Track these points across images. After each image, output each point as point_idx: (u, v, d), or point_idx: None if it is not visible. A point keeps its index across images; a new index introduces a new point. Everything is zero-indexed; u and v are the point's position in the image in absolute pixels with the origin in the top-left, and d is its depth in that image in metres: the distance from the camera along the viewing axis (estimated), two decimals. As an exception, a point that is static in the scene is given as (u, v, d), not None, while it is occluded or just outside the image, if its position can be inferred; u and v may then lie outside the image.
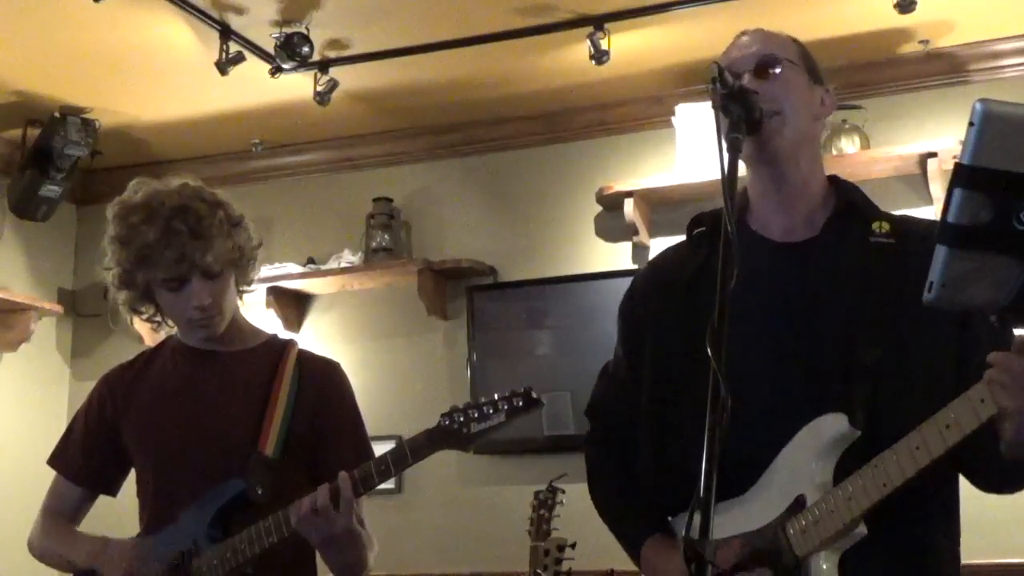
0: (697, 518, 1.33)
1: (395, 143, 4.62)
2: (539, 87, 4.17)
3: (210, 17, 3.57)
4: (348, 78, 3.95)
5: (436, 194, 4.58)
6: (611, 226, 4.23)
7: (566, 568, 3.15)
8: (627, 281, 1.98)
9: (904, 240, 1.71)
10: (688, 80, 4.05)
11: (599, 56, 3.64)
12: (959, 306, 1.27)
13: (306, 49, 3.66)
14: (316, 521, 1.96)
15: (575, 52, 3.76)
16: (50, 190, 4.34)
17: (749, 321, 1.65)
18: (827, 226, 1.75)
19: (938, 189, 3.72)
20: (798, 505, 1.60)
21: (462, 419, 1.94)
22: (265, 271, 4.19)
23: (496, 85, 4.15)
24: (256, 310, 4.23)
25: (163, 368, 2.29)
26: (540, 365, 4.20)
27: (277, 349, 2.28)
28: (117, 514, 2.42)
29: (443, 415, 1.96)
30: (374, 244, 4.45)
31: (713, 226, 1.75)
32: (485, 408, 1.93)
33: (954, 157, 1.19)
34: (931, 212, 3.74)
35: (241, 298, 2.29)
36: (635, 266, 4.16)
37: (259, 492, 2.09)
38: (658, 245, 4.16)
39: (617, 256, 4.23)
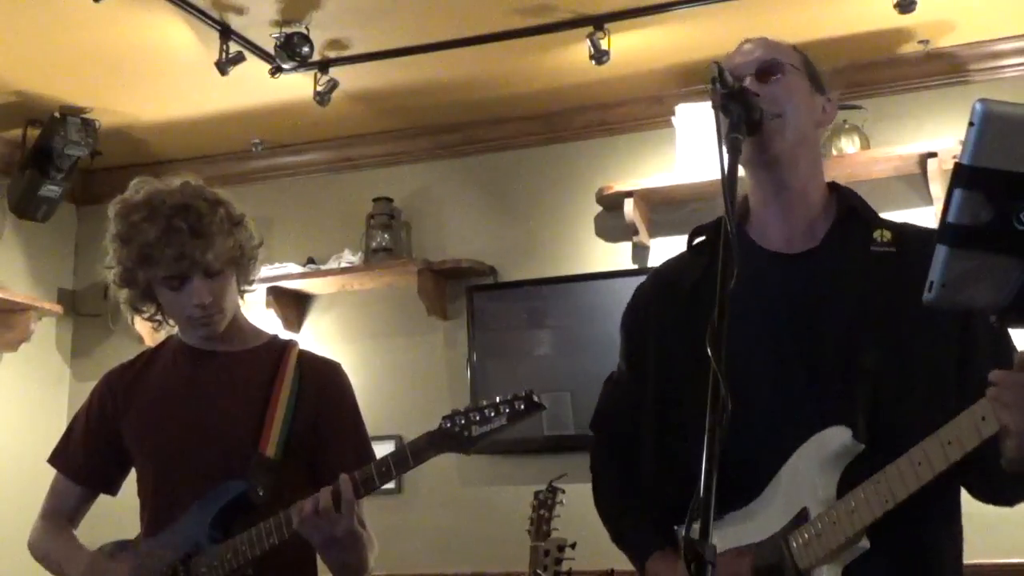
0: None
1: (395, 143, 4.62)
2: (539, 87, 4.17)
3: (210, 17, 3.57)
4: (348, 78, 3.94)
5: (436, 194, 4.58)
6: (611, 226, 4.23)
7: (566, 568, 3.15)
8: (627, 281, 1.99)
9: (905, 247, 1.71)
10: (688, 80, 4.05)
11: (599, 56, 3.64)
12: (959, 306, 1.27)
13: (306, 49, 3.65)
14: (318, 522, 1.96)
15: (575, 52, 3.76)
16: (50, 190, 4.34)
17: (750, 323, 1.66)
18: (828, 236, 1.75)
19: (938, 189, 3.72)
20: (801, 518, 1.60)
21: (463, 422, 1.93)
22: (265, 271, 4.19)
23: (496, 85, 4.15)
24: (256, 310, 4.23)
25: (164, 368, 2.29)
26: (540, 365, 4.20)
27: (278, 349, 2.28)
28: (117, 514, 2.42)
29: (444, 418, 1.96)
30: (374, 244, 4.45)
31: (714, 235, 1.76)
32: (486, 411, 1.92)
33: (954, 157, 1.18)
34: (931, 212, 3.75)
35: (242, 297, 2.29)
36: (635, 266, 4.16)
37: (260, 493, 2.09)
38: (658, 245, 4.16)
39: (617, 256, 4.23)
